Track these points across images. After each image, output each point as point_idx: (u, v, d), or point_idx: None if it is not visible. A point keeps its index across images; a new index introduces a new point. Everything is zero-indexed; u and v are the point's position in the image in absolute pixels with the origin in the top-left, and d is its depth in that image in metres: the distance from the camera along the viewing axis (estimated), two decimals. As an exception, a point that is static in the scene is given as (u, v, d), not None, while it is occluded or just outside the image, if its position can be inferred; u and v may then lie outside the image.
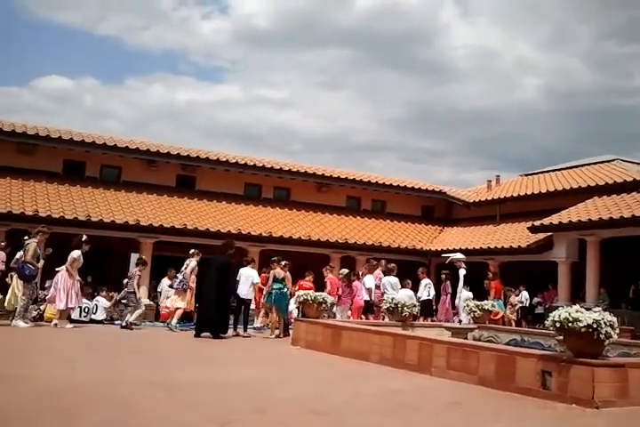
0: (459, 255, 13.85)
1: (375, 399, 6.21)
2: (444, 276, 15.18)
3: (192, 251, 13.64)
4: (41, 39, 71.85)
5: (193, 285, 13.18)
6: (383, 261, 15.57)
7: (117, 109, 72.97)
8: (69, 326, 12.40)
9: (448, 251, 17.75)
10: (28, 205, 16.95)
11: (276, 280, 13.05)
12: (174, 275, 14.45)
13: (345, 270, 15.02)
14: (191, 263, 13.32)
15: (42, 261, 12.48)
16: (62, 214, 16.92)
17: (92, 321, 14.10)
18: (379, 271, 15.06)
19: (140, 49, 77.29)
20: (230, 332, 12.50)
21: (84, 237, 12.87)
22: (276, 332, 12.93)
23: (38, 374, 6.58)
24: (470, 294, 13.98)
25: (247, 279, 12.89)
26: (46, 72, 79.64)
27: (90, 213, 17.50)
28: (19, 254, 12.63)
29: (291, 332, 12.25)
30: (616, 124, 70.63)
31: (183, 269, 13.38)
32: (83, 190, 19.32)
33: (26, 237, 13.09)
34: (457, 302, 14.39)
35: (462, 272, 13.44)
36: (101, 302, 14.61)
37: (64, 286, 12.24)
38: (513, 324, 16.63)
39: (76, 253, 12.43)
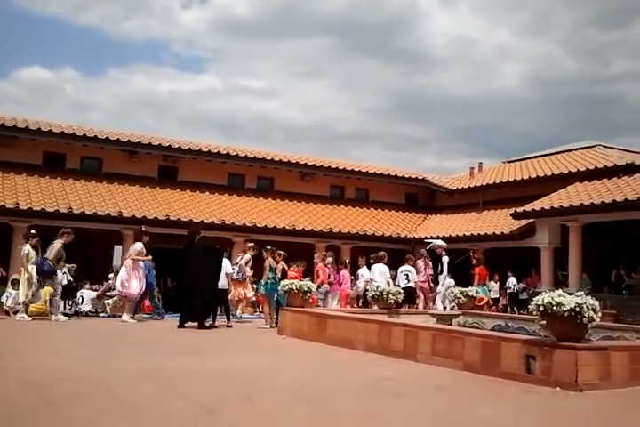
0: (439, 242, 13.85)
1: (361, 386, 6.23)
2: (364, 261, 15.18)
3: (250, 244, 14.02)
4: (21, 30, 70.93)
5: (250, 274, 13.78)
6: (423, 251, 15.45)
7: (99, 100, 72.42)
8: (132, 320, 12.67)
9: (431, 238, 17.80)
10: (8, 198, 16.77)
11: (270, 270, 13.01)
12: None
13: (330, 259, 15.05)
14: (246, 256, 13.66)
15: (62, 264, 12.88)
16: (43, 207, 16.77)
17: (77, 313, 14.07)
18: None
19: (121, 39, 76.58)
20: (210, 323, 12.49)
21: (143, 228, 13.48)
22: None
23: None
24: (452, 282, 14.01)
25: (222, 270, 12.79)
26: (26, 64, 78.70)
27: (71, 205, 17.36)
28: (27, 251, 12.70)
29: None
30: (598, 111, 71.24)
31: (238, 260, 13.72)
32: (64, 182, 19.15)
33: (33, 231, 13.25)
34: (439, 288, 14.45)
35: (445, 259, 13.47)
36: (87, 293, 14.62)
37: (136, 277, 12.76)
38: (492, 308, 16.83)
39: (138, 246, 12.94)
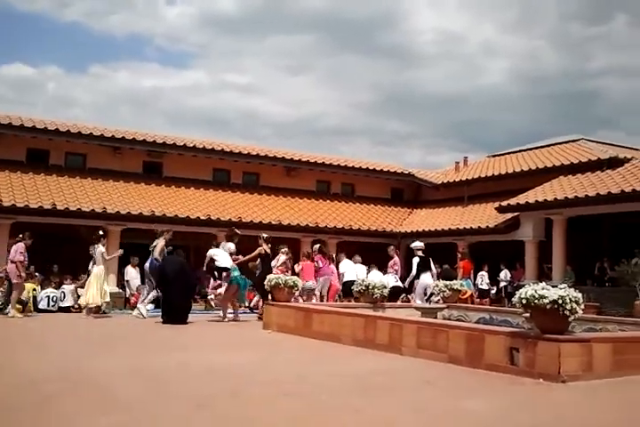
0: (416, 243, 14.01)
1: (348, 380, 6.25)
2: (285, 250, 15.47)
3: (284, 249, 14.22)
4: (2, 27, 70.09)
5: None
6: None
7: (82, 97, 71.78)
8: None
9: (417, 232, 17.90)
10: (-9, 195, 16.60)
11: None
12: (137, 262, 14.72)
13: (317, 246, 15.26)
14: (280, 257, 13.99)
15: None
16: (27, 203, 16.61)
17: (60, 309, 14.05)
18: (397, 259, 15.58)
19: (104, 35, 75.86)
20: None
21: (235, 230, 13.99)
22: (230, 316, 12.93)
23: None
24: (429, 281, 13.57)
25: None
26: (8, 60, 77.75)
27: (55, 201, 17.21)
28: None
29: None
30: (581, 106, 71.65)
31: (274, 263, 13.86)
32: (47, 179, 18.97)
33: (101, 232, 13.77)
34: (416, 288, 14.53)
35: (415, 260, 13.52)
36: (67, 288, 14.55)
37: None
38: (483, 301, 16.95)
39: (232, 247, 13.35)
